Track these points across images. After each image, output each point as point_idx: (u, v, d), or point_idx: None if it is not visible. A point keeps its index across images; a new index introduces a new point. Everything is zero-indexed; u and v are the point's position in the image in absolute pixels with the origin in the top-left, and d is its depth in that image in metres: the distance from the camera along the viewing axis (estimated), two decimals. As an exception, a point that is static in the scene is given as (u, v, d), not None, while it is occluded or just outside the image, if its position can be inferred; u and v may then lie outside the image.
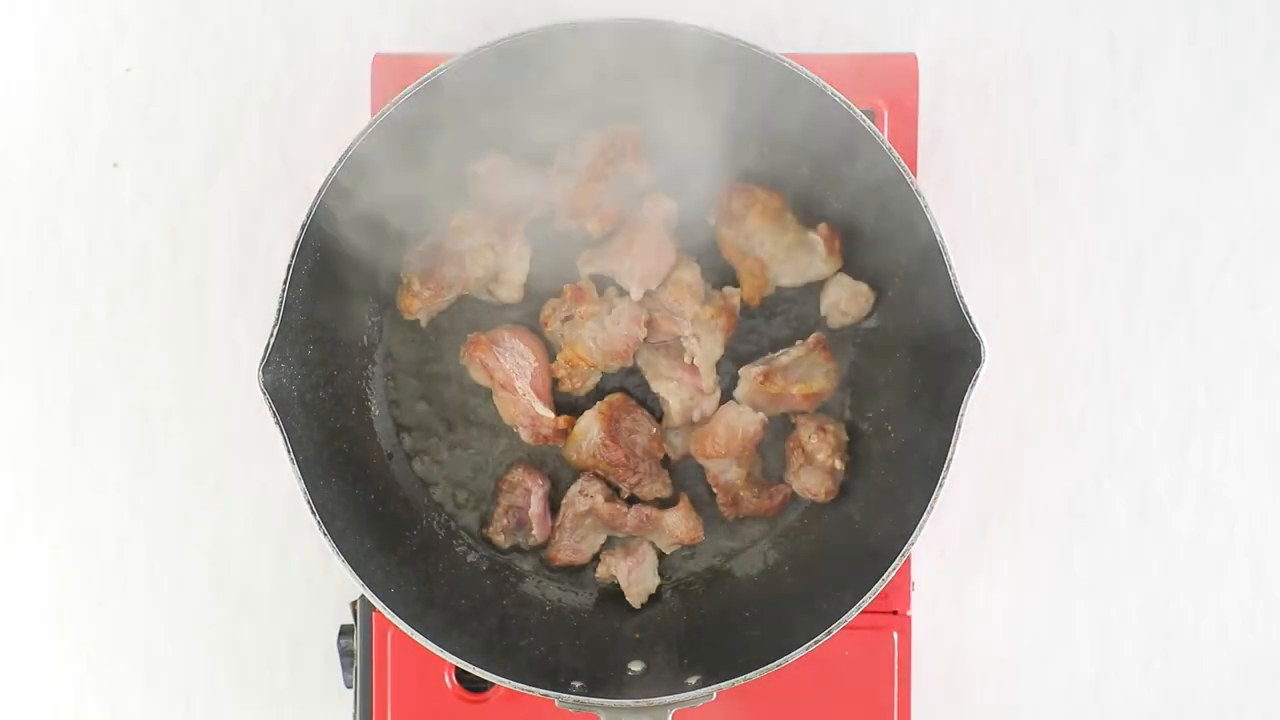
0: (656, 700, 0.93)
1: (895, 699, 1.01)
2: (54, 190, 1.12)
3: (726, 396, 1.04)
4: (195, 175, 1.12)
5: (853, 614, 0.92)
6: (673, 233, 1.02)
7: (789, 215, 1.03)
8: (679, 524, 1.03)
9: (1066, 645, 1.11)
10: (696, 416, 1.03)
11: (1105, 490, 1.11)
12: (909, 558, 0.95)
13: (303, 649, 1.12)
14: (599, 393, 1.04)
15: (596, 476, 1.03)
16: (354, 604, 1.03)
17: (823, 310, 1.04)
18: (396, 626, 0.93)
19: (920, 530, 0.92)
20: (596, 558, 1.05)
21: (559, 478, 1.06)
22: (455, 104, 0.94)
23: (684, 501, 1.04)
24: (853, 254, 1.03)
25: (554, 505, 1.05)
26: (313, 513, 0.92)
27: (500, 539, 1.04)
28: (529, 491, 1.04)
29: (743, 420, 1.02)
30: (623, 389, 1.05)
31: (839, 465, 1.02)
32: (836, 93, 0.91)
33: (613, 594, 1.05)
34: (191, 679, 1.12)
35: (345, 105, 1.10)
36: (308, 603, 1.11)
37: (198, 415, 1.12)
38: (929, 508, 0.91)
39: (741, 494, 1.03)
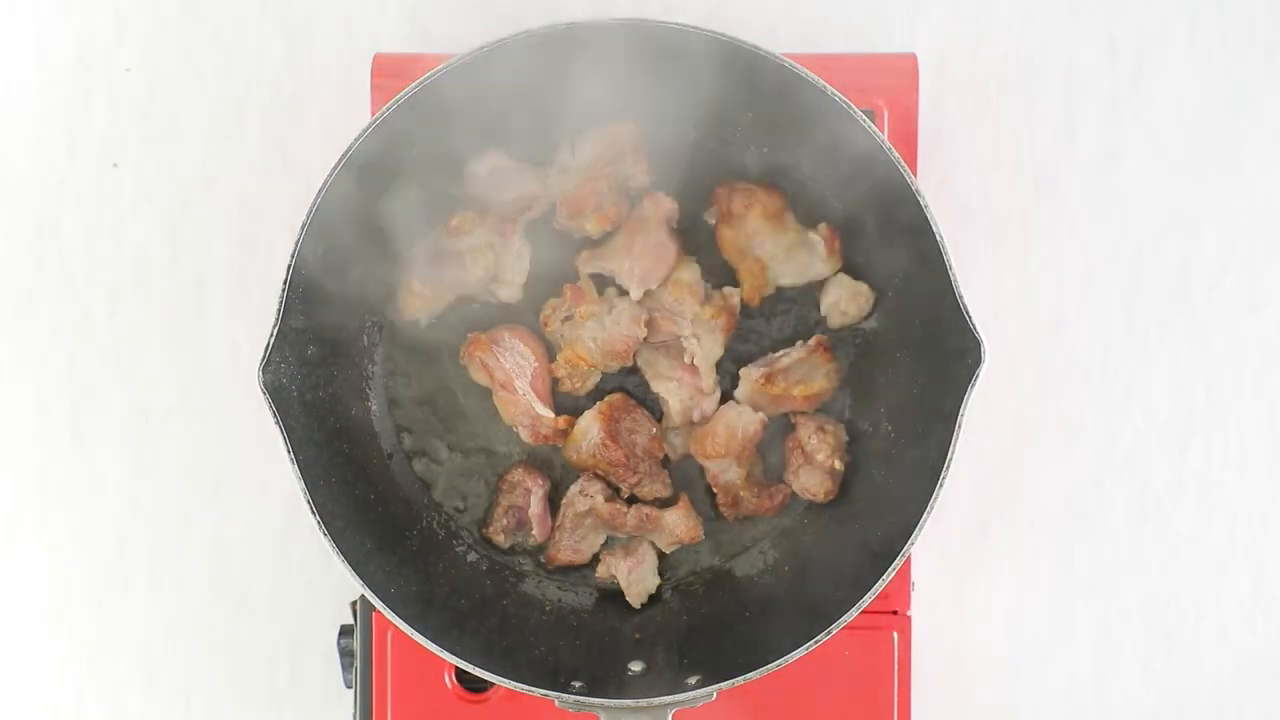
0: (656, 700, 0.93)
1: (895, 699, 1.01)
2: (54, 190, 1.12)
3: (726, 396, 1.04)
4: (195, 175, 1.12)
5: (853, 614, 0.92)
6: (673, 233, 1.02)
7: (789, 215, 1.03)
8: (679, 524, 1.03)
9: (1066, 645, 1.11)
10: (696, 416, 1.03)
11: (1105, 490, 1.11)
12: (909, 558, 0.95)
13: (303, 649, 1.12)
14: (599, 393, 1.04)
15: (596, 476, 1.03)
16: (354, 604, 1.03)
17: (823, 310, 1.04)
18: (396, 626, 0.93)
19: (920, 530, 0.92)
20: (596, 558, 1.05)
21: (559, 478, 1.06)
22: (455, 104, 0.94)
23: (684, 501, 1.04)
24: (853, 254, 1.03)
25: (554, 505, 1.05)
26: (313, 513, 0.92)
27: (500, 539, 1.04)
28: (529, 491, 1.04)
29: (743, 420, 1.02)
30: (623, 389, 1.05)
31: (839, 465, 1.02)
32: (836, 93, 0.91)
33: (613, 594, 1.05)
34: (191, 679, 1.12)
35: (345, 105, 1.10)
36: (308, 603, 1.11)
37: (198, 415, 1.12)
38: (929, 508, 0.91)
39: (741, 494, 1.03)
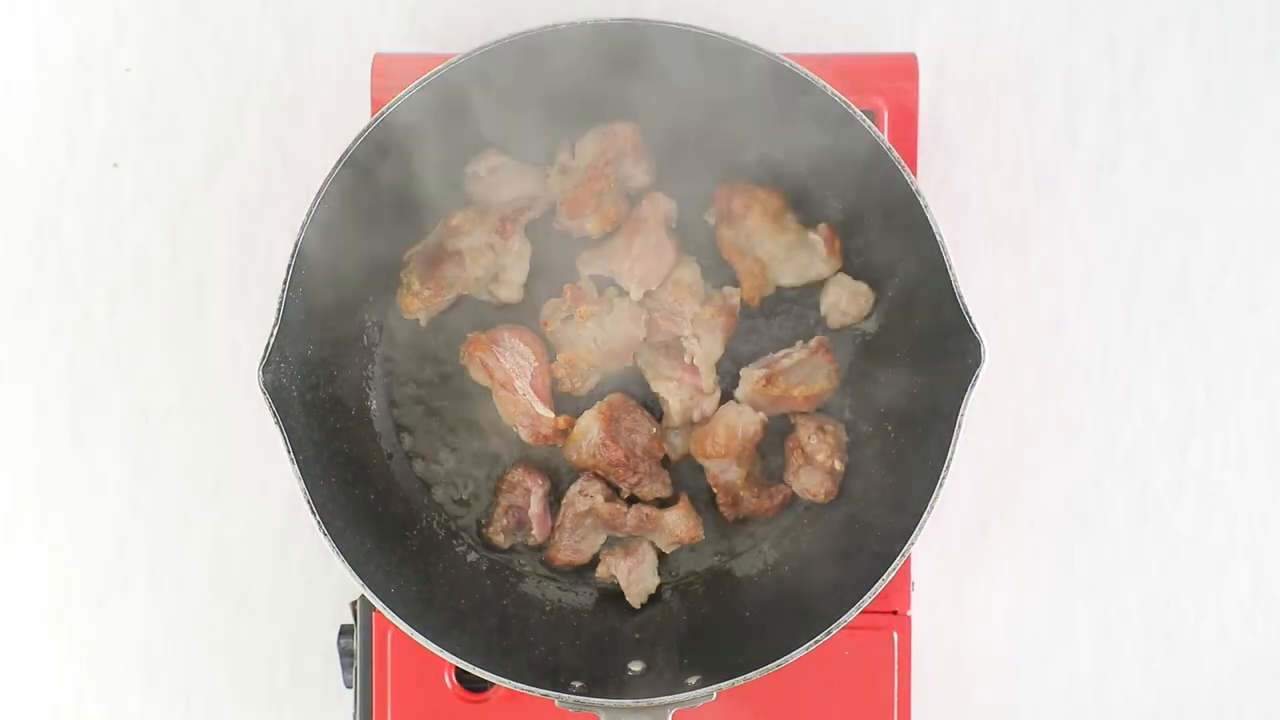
0: (656, 700, 0.93)
1: (895, 699, 1.01)
2: (54, 190, 1.12)
3: (727, 396, 1.04)
4: (195, 175, 1.12)
5: (853, 614, 0.92)
6: (672, 233, 1.02)
7: (789, 215, 1.03)
8: (679, 524, 1.03)
9: (1066, 645, 1.11)
10: (696, 416, 1.03)
11: (1105, 490, 1.11)
12: (909, 558, 0.95)
13: (303, 649, 1.12)
14: (599, 393, 1.04)
15: (596, 476, 1.03)
16: (354, 604, 1.03)
17: (823, 310, 1.04)
18: (396, 626, 0.93)
19: (920, 530, 0.92)
20: (596, 558, 1.05)
21: (559, 478, 1.06)
22: (455, 104, 0.94)
23: (684, 501, 1.04)
24: (853, 254, 1.03)
25: (554, 505, 1.05)
26: (313, 513, 0.92)
27: (500, 539, 1.04)
28: (529, 491, 1.04)
29: (743, 420, 1.02)
30: (623, 389, 1.05)
31: (839, 465, 1.02)
32: (836, 93, 0.91)
33: (613, 594, 1.05)
34: (191, 679, 1.12)
35: (345, 105, 1.10)
36: (308, 603, 1.11)
37: (198, 415, 1.12)
38: (929, 508, 0.91)
39: (741, 494, 1.03)
